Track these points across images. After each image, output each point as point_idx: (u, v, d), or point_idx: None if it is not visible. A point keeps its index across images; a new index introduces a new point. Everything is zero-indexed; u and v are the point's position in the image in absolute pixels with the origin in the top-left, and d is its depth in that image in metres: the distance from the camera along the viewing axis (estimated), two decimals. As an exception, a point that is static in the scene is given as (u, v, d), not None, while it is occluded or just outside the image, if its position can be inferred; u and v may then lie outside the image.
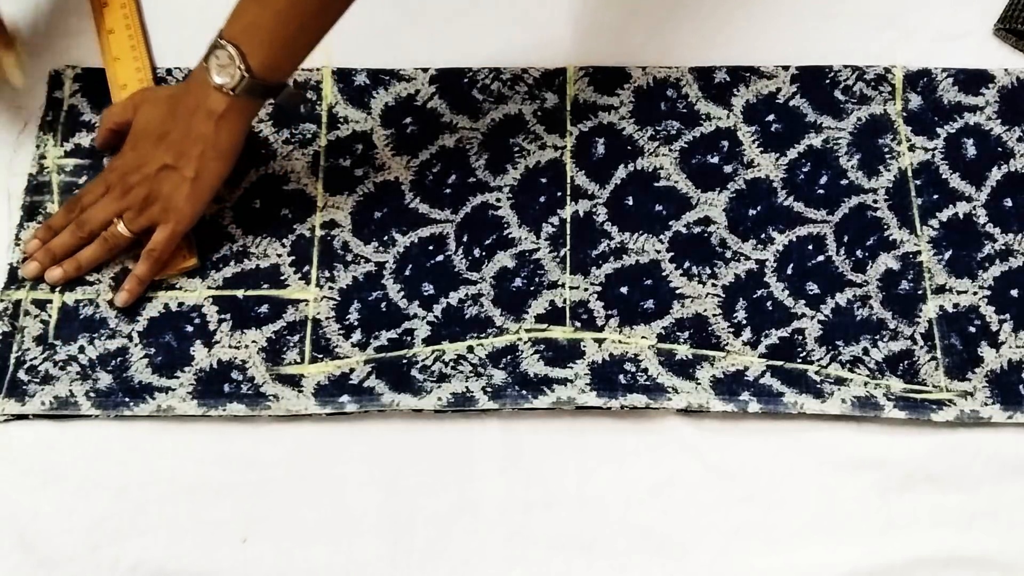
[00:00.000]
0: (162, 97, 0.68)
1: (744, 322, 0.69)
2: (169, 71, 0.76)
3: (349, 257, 0.71)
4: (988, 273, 0.70)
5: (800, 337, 0.68)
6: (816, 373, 0.67)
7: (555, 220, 0.72)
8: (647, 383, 0.66)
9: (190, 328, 0.68)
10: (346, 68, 0.77)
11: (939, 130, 0.75)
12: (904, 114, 0.75)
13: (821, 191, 0.73)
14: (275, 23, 0.62)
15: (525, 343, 0.68)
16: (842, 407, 0.65)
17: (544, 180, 0.73)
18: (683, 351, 0.68)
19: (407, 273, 0.70)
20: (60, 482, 0.64)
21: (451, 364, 0.67)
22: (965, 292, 0.69)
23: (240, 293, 0.69)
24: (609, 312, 0.69)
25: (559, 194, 0.72)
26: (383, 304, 0.69)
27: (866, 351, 0.68)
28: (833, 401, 0.66)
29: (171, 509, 0.64)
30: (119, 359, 0.67)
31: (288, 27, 0.63)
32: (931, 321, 0.69)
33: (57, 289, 0.69)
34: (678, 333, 0.68)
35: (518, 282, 0.70)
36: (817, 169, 0.73)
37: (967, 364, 0.67)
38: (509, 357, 0.67)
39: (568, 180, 0.73)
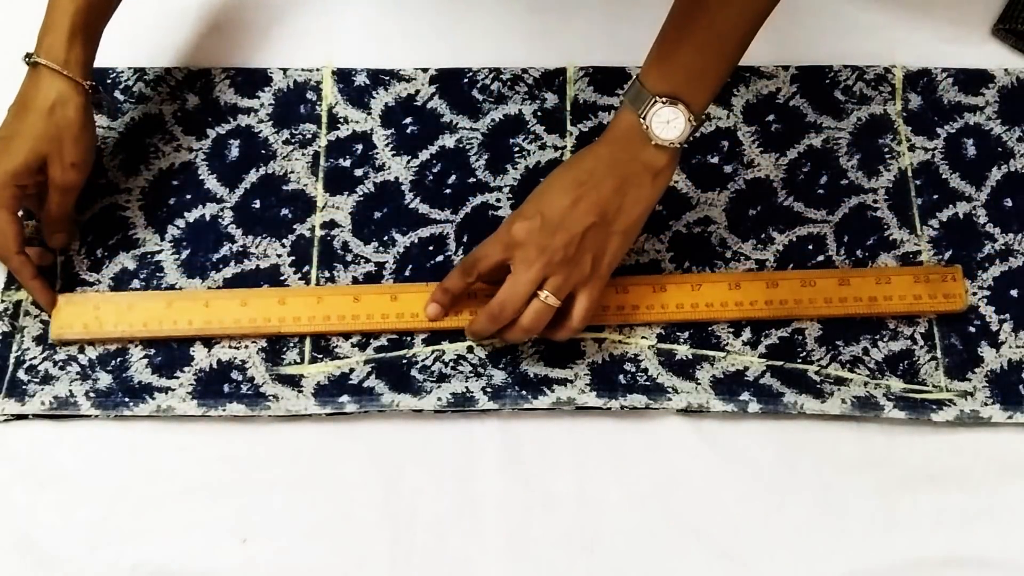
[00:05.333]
0: (567, 175, 0.63)
1: (744, 322, 0.69)
2: (168, 70, 0.76)
3: (349, 257, 0.71)
4: (988, 273, 0.70)
5: (800, 337, 0.68)
6: (816, 373, 0.67)
7: (555, 220, 0.72)
8: (647, 383, 0.66)
9: (190, 328, 0.68)
10: (346, 68, 0.77)
11: (939, 130, 0.75)
12: (904, 114, 0.75)
13: (821, 191, 0.73)
14: (717, 63, 0.60)
15: (525, 343, 0.68)
16: (842, 407, 0.65)
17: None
18: (683, 351, 0.68)
19: (407, 273, 0.70)
20: (60, 482, 0.64)
21: (451, 364, 0.67)
22: (965, 292, 0.69)
23: (240, 293, 0.69)
24: (609, 312, 0.69)
25: (559, 194, 0.72)
26: (383, 304, 0.69)
27: (866, 351, 0.68)
28: (833, 401, 0.66)
29: (171, 509, 0.64)
30: (119, 359, 0.67)
31: (727, 62, 0.60)
32: (931, 321, 0.69)
33: (57, 288, 0.69)
34: (678, 333, 0.68)
35: (518, 282, 0.70)
36: (817, 169, 0.73)
37: (967, 364, 0.67)
38: (509, 357, 0.67)
39: (568, 180, 0.73)
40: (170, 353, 0.67)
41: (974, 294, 0.69)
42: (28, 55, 0.64)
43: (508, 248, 0.62)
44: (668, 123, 0.60)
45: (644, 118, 0.60)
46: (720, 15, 0.59)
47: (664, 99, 0.59)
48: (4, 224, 0.64)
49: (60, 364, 0.67)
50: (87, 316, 0.67)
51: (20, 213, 0.65)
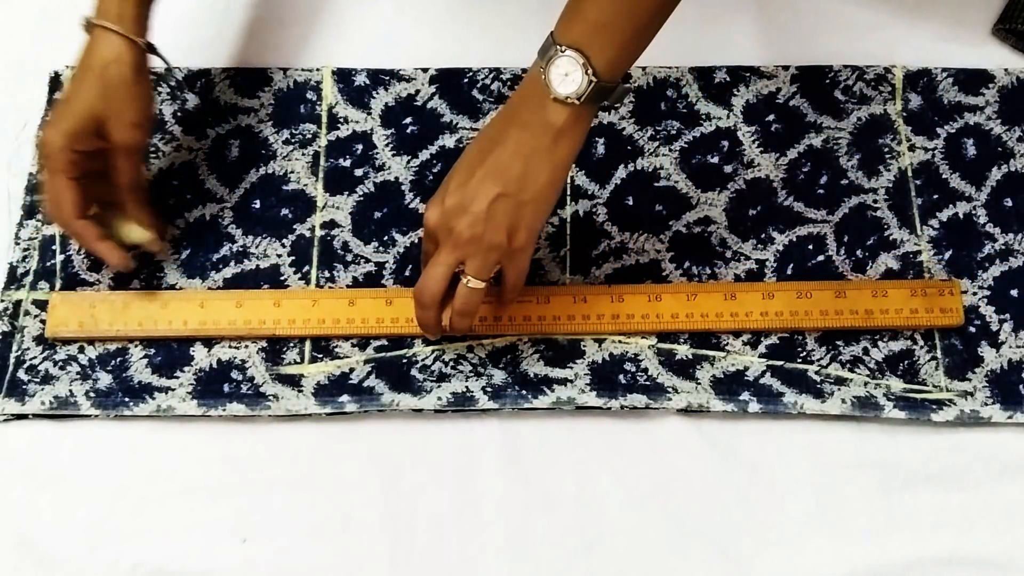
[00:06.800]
0: (472, 148, 0.60)
1: (744, 322, 0.69)
2: (168, 69, 0.76)
3: (349, 257, 0.71)
4: (988, 273, 0.70)
5: (800, 337, 0.68)
6: (816, 373, 0.67)
7: (555, 220, 0.72)
8: (647, 383, 0.66)
9: (190, 328, 0.68)
10: (346, 68, 0.77)
11: (939, 130, 0.75)
12: (904, 114, 0.75)
13: (821, 191, 0.73)
14: (623, 20, 0.56)
15: (525, 343, 0.68)
16: (842, 407, 0.65)
17: (544, 180, 0.73)
18: (683, 351, 0.68)
19: (407, 273, 0.70)
20: (60, 482, 0.64)
21: (451, 364, 0.67)
22: (965, 292, 0.69)
23: (240, 293, 0.69)
24: (609, 312, 0.69)
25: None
26: (383, 304, 0.69)
27: (866, 351, 0.68)
28: (833, 401, 0.66)
29: (171, 509, 0.64)
30: (119, 359, 0.67)
31: (636, 21, 0.56)
32: (931, 321, 0.69)
33: (57, 288, 0.69)
34: (678, 333, 0.68)
35: (518, 282, 0.70)
36: (817, 169, 0.73)
37: (967, 364, 0.67)
38: (509, 357, 0.67)
39: (568, 180, 0.73)
40: (170, 353, 0.67)
41: (974, 294, 0.69)
42: (85, 19, 0.63)
43: (428, 238, 0.60)
44: (566, 76, 0.56)
45: (544, 70, 0.57)
46: None
47: (563, 49, 0.57)
48: (61, 189, 0.63)
49: (60, 364, 0.67)
50: (83, 314, 0.67)
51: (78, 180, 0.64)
